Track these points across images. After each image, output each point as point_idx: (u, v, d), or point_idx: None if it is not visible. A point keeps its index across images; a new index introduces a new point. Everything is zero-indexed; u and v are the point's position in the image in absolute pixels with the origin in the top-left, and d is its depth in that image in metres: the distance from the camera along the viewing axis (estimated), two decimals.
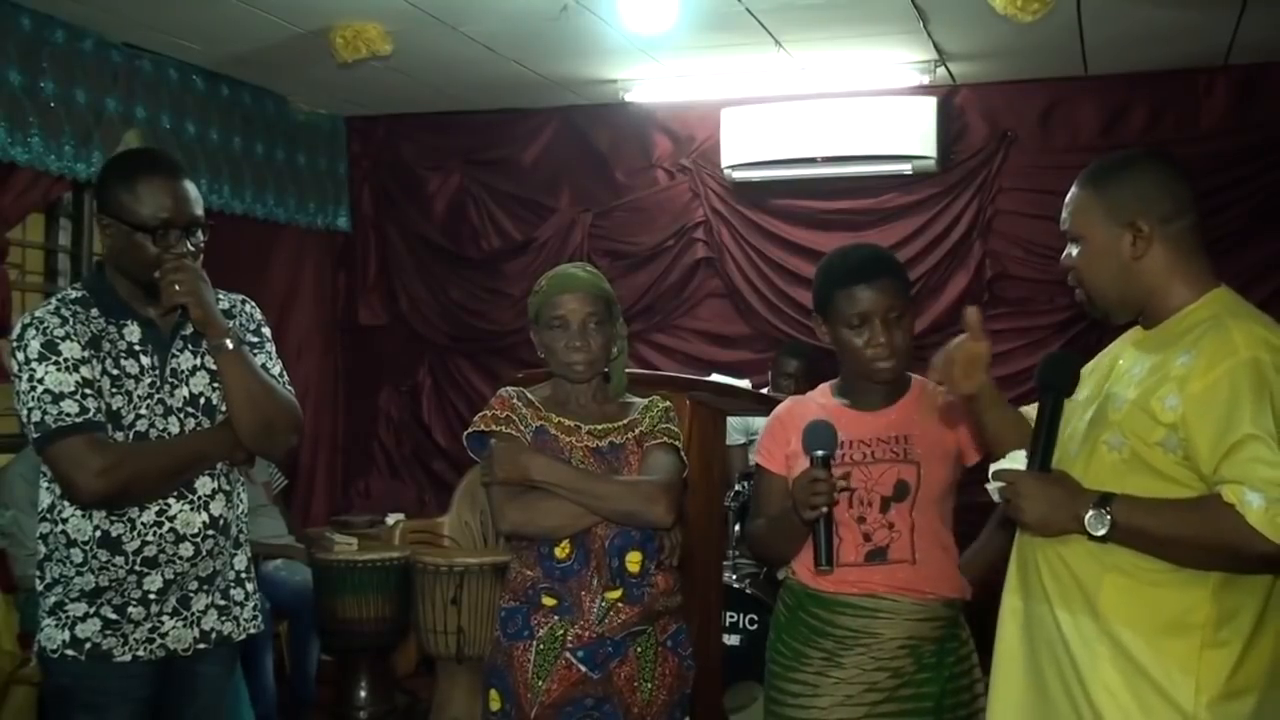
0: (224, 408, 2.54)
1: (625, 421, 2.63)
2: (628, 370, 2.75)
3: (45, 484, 2.51)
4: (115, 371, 2.46)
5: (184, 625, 2.54)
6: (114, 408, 2.45)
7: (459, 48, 5.06)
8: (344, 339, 6.73)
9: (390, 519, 5.47)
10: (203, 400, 2.56)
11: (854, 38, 4.95)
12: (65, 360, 2.39)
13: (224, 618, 2.61)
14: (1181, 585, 1.95)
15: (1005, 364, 5.15)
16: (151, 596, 2.49)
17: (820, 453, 2.40)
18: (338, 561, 4.71)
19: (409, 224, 6.50)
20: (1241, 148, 5.26)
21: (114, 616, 2.47)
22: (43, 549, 2.52)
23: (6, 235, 4.52)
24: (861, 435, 2.52)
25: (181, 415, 2.53)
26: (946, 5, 4.52)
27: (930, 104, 5.48)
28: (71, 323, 2.44)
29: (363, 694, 4.86)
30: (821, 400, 2.63)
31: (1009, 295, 5.63)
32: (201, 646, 2.57)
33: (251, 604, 2.68)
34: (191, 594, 2.55)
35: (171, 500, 2.49)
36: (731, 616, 4.50)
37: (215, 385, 2.56)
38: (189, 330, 2.54)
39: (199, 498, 2.53)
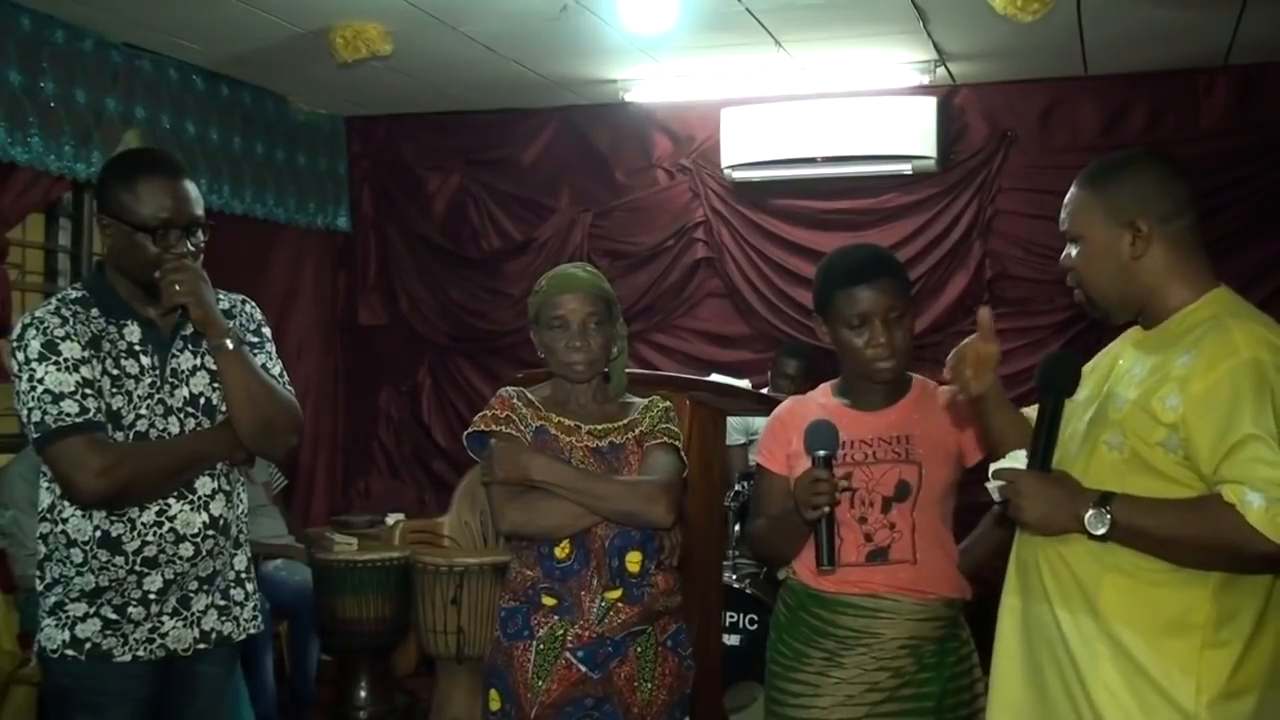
0: (224, 408, 2.54)
1: (625, 421, 2.63)
2: (628, 370, 2.75)
3: (45, 484, 2.51)
4: (115, 371, 2.46)
5: (184, 625, 2.54)
6: (114, 408, 2.45)
7: (459, 48, 5.06)
8: (344, 339, 6.73)
9: (390, 519, 5.47)
10: (203, 400, 2.56)
11: (854, 38, 4.95)
12: (65, 360, 2.39)
13: (224, 618, 2.61)
14: (1182, 585, 1.95)
15: (1005, 364, 5.01)
16: (151, 596, 2.49)
17: (822, 453, 2.40)
18: (338, 561, 4.71)
19: (409, 224, 6.50)
20: (1241, 148, 5.26)
21: (114, 616, 2.47)
22: (43, 549, 2.52)
23: (6, 235, 4.52)
24: (863, 435, 2.52)
25: (181, 415, 2.53)
26: (946, 5, 4.52)
27: (930, 104, 5.48)
28: (72, 323, 2.44)
29: (363, 694, 4.86)
30: (822, 400, 2.63)
31: (1009, 295, 5.63)
32: (201, 647, 2.57)
33: (251, 604, 2.68)
34: (191, 594, 2.55)
35: (172, 500, 2.49)
36: (731, 616, 4.50)
37: (215, 385, 2.55)
38: (189, 330, 2.54)
39: (199, 498, 2.53)
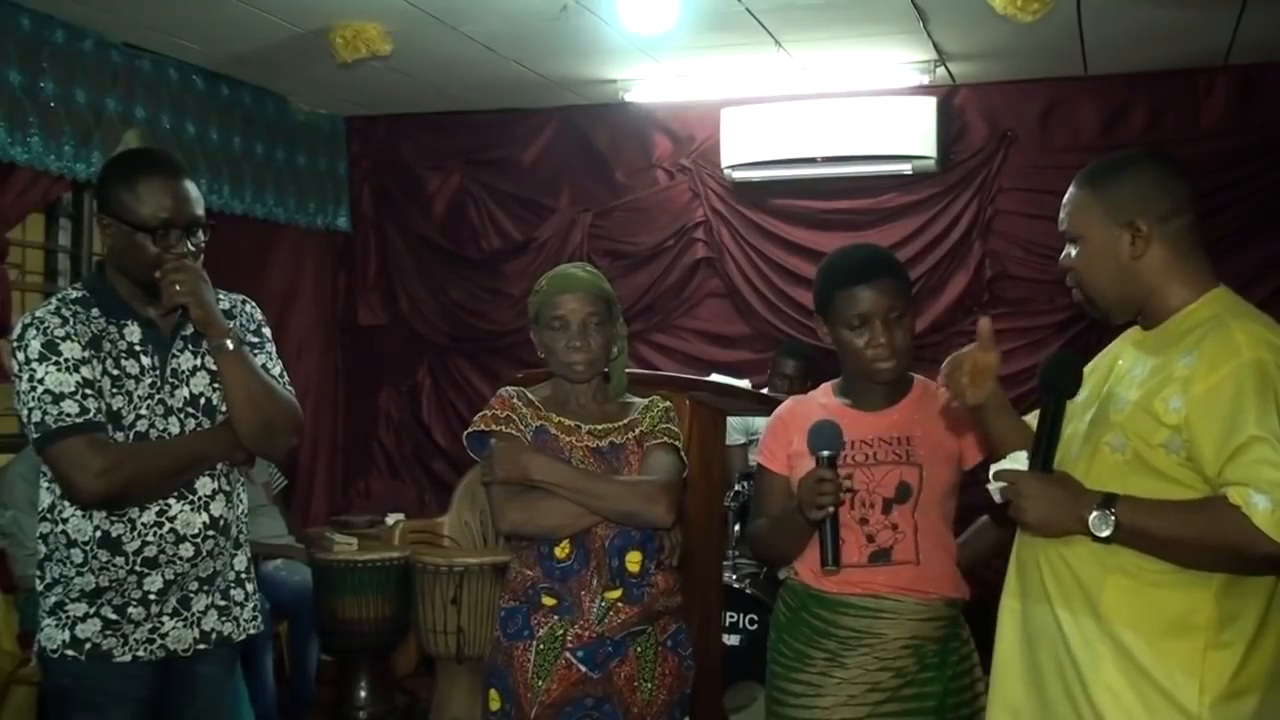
0: (224, 408, 2.54)
1: (625, 421, 2.63)
2: (628, 370, 2.75)
3: (45, 484, 2.51)
4: (115, 372, 2.46)
5: (184, 625, 2.54)
6: (114, 408, 2.45)
7: (459, 48, 5.06)
8: (344, 339, 6.73)
9: (390, 519, 5.47)
10: (203, 400, 2.55)
11: (854, 38, 4.95)
12: (66, 360, 2.39)
13: (224, 618, 2.61)
14: (1184, 586, 1.95)
15: (1005, 364, 4.99)
16: (152, 597, 2.49)
17: (826, 453, 2.40)
18: (338, 561, 4.71)
19: (409, 224, 6.50)
20: (1241, 148, 5.25)
21: (114, 617, 2.47)
22: (43, 549, 2.52)
23: (6, 235, 4.52)
24: (863, 435, 2.52)
25: (182, 415, 2.53)
26: (946, 5, 4.52)
27: (930, 104, 5.48)
28: (72, 323, 2.44)
29: (363, 694, 4.86)
30: (823, 400, 2.63)
31: (1009, 295, 5.63)
32: (201, 647, 2.57)
33: (251, 604, 2.68)
34: (191, 594, 2.55)
35: (172, 501, 2.49)
36: (731, 616, 4.50)
37: (215, 385, 2.55)
38: (189, 330, 2.54)
39: (199, 498, 2.53)
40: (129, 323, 2.51)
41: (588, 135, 6.22)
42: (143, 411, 2.48)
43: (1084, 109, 5.54)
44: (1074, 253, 2.14)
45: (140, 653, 2.49)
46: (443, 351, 6.51)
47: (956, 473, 2.55)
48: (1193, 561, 1.93)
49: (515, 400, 2.64)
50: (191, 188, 2.51)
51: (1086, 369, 2.19)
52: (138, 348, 2.50)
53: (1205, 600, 1.94)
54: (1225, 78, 5.35)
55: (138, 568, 2.47)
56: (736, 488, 4.71)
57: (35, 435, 2.40)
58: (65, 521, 2.47)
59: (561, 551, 2.56)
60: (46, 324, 2.42)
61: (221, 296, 2.61)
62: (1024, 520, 2.04)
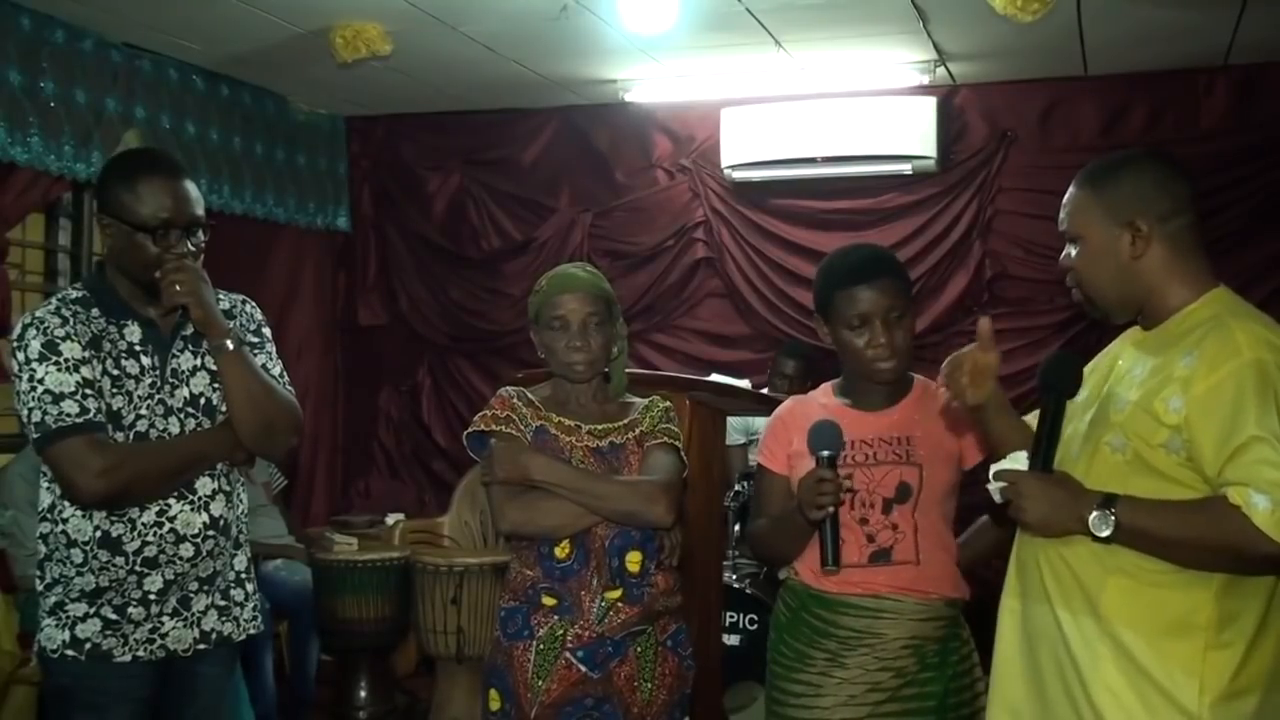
0: (224, 408, 2.54)
1: (625, 421, 2.63)
2: (628, 370, 2.75)
3: (45, 484, 2.51)
4: (116, 372, 2.46)
5: (184, 625, 2.54)
6: (114, 408, 2.45)
7: (459, 48, 5.06)
8: (344, 339, 6.73)
9: (390, 519, 5.47)
10: (203, 401, 2.56)
11: (854, 38, 4.95)
12: (66, 360, 2.39)
13: (224, 618, 2.61)
14: (1184, 587, 1.95)
15: (1005, 364, 4.98)
16: (152, 597, 2.49)
17: (826, 453, 2.39)
18: (338, 561, 4.71)
19: (409, 224, 6.50)
20: (1241, 148, 5.26)
21: (114, 617, 2.47)
22: (43, 549, 2.52)
23: (6, 235, 4.52)
24: (864, 435, 2.52)
25: (182, 415, 2.53)
26: (946, 5, 4.52)
27: (930, 104, 5.48)
28: (72, 323, 2.44)
29: (363, 694, 4.86)
30: (824, 400, 2.63)
31: (1009, 295, 5.63)
32: (201, 647, 2.57)
33: (251, 604, 2.68)
34: (192, 594, 2.55)
35: (172, 501, 2.49)
36: (731, 616, 4.50)
37: (216, 386, 2.55)
38: (189, 330, 2.54)
39: (199, 498, 2.53)
40: (129, 323, 2.51)
41: (588, 135, 6.22)
42: (143, 411, 2.48)
43: (1084, 109, 5.54)
44: (1074, 253, 2.14)
45: (140, 653, 2.49)
46: (443, 351, 6.51)
47: (956, 473, 2.55)
48: (1193, 561, 1.93)
49: (515, 400, 2.64)
50: (191, 188, 2.51)
51: (1086, 369, 2.19)
52: (138, 348, 2.50)
53: (1205, 600, 1.94)
54: (1225, 78, 5.35)
55: (138, 568, 2.47)
56: (736, 488, 4.71)
57: (35, 435, 2.40)
58: (65, 521, 2.47)
59: (561, 551, 2.56)
60: (46, 324, 2.42)
61: (221, 296, 2.61)
62: (1024, 520, 2.04)
